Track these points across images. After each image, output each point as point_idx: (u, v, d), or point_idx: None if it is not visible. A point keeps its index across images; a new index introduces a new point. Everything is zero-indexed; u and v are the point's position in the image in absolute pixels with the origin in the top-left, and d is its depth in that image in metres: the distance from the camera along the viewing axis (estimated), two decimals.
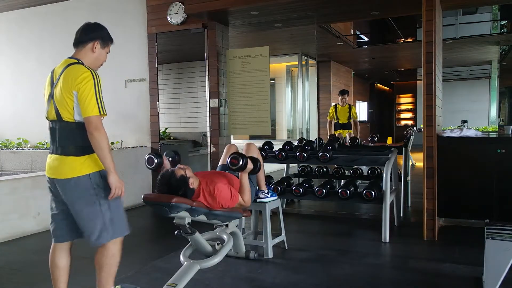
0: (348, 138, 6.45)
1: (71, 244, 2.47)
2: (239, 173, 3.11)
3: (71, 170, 2.24)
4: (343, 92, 7.34)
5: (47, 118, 2.37)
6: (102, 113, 2.23)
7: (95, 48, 2.39)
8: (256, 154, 3.44)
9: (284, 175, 5.48)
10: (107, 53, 2.47)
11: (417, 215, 4.83)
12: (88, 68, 2.27)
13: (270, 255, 3.55)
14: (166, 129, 7.28)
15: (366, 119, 15.97)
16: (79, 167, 2.24)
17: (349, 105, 7.31)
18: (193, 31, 5.53)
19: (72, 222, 2.36)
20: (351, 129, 7.18)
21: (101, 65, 2.48)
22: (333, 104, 7.75)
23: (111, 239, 2.32)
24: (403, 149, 5.08)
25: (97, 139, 2.20)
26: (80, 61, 2.32)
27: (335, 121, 7.24)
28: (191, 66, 7.40)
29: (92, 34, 2.38)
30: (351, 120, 7.21)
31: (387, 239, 3.94)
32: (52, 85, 2.32)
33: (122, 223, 2.39)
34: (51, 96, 2.31)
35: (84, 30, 2.40)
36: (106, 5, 6.20)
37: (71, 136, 2.27)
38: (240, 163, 2.97)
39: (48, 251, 2.44)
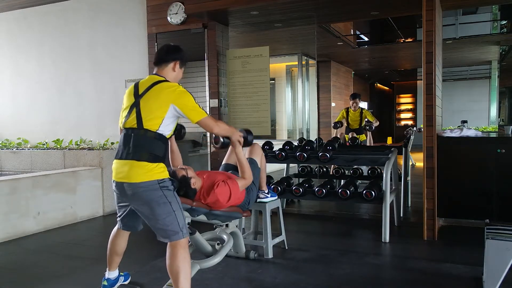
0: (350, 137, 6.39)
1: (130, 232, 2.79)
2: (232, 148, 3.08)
3: (142, 175, 2.36)
4: (354, 96, 6.71)
5: (123, 126, 2.51)
6: (206, 113, 2.52)
7: (176, 67, 2.63)
8: (260, 154, 3.44)
9: (284, 175, 5.48)
10: (183, 72, 2.74)
11: (417, 215, 4.83)
12: (178, 84, 2.53)
13: (270, 255, 3.55)
14: None
15: None
16: (150, 172, 2.37)
17: (361, 109, 6.71)
18: (193, 31, 5.53)
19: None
20: (363, 134, 6.61)
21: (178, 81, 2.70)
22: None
23: (184, 236, 2.44)
24: (403, 149, 5.07)
25: (220, 132, 2.71)
26: (166, 79, 2.54)
27: (346, 125, 6.79)
28: (191, 66, 7.36)
29: (173, 55, 2.63)
30: (370, 124, 6.57)
31: (387, 239, 3.94)
32: (136, 96, 2.48)
33: (186, 225, 2.51)
34: (134, 105, 2.46)
35: (167, 51, 2.65)
36: (106, 5, 6.20)
37: (147, 144, 2.39)
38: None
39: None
